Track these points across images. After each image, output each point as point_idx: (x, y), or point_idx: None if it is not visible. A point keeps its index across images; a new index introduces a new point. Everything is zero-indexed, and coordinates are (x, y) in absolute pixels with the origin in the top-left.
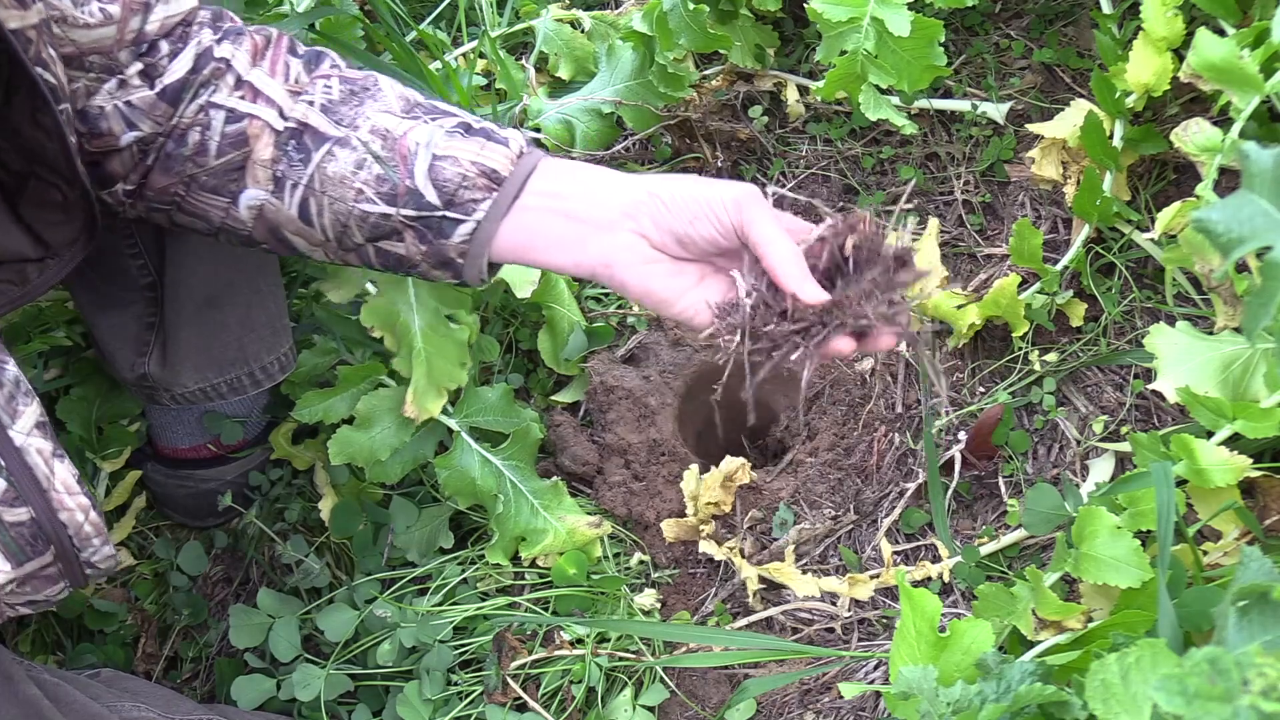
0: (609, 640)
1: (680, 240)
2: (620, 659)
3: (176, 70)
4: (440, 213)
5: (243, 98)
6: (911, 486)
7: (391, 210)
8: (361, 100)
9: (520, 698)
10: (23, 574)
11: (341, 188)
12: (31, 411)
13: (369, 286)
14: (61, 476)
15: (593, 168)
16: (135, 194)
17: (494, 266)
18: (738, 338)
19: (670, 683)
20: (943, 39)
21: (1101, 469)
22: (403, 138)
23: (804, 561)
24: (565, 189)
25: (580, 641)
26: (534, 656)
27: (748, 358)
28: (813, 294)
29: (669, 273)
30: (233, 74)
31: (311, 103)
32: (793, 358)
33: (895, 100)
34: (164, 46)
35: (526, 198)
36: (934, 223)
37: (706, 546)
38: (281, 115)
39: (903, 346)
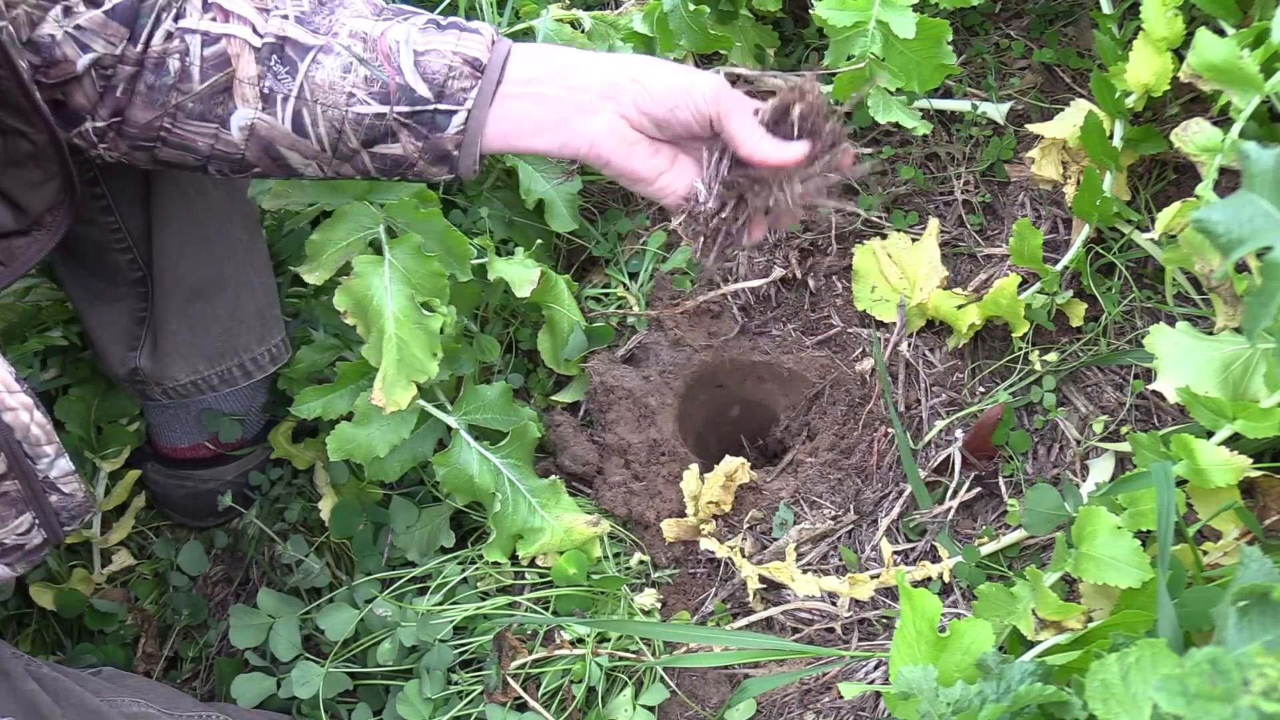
0: (609, 640)
1: (658, 124)
2: (620, 659)
3: None
4: (433, 105)
5: (214, 19)
6: (909, 487)
7: (385, 109)
8: (332, 9)
9: (520, 697)
10: None
11: (332, 94)
12: None
13: (353, 265)
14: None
15: (562, 50)
16: (114, 132)
17: (483, 159)
18: (705, 222)
19: (670, 682)
20: (950, 38)
21: (1101, 469)
22: (381, 38)
23: (804, 561)
24: (542, 74)
25: (580, 641)
26: (534, 656)
27: (714, 240)
28: (792, 151)
29: (648, 153)
30: None
31: (285, 16)
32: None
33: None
34: None
35: (508, 85)
36: (934, 223)
37: (708, 543)
38: (256, 31)
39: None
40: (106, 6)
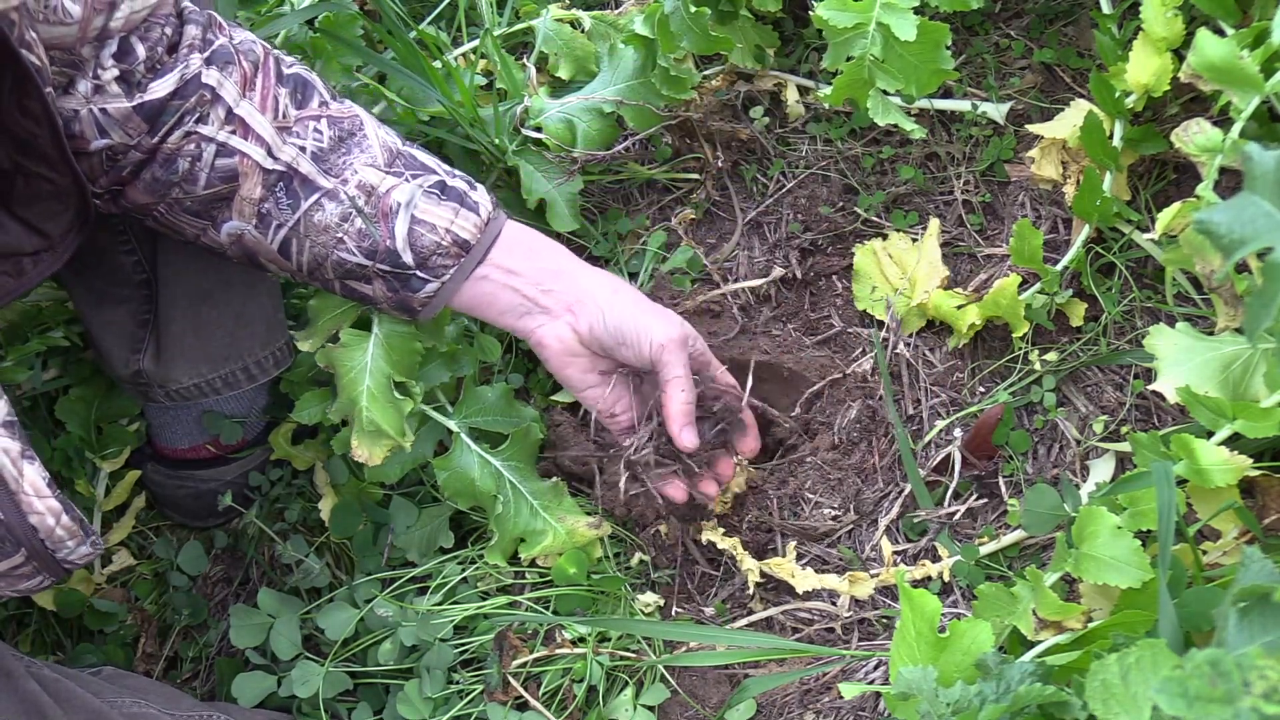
0: (609, 640)
1: (604, 350)
2: (621, 658)
3: (158, 90)
4: (412, 271)
5: (233, 132)
6: (908, 487)
7: (369, 263)
8: (349, 149)
9: (521, 696)
10: None
11: (325, 235)
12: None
13: (341, 335)
14: (31, 478)
15: (550, 250)
16: (109, 197)
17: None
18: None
19: (671, 681)
20: (949, 42)
21: (1102, 469)
22: (386, 195)
23: (804, 561)
24: (524, 269)
25: (581, 640)
26: (535, 655)
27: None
28: (689, 440)
29: (585, 368)
30: (222, 106)
31: (303, 148)
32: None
33: (898, 102)
34: (139, 50)
35: (488, 269)
36: (934, 223)
37: (710, 535)
38: (270, 154)
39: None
40: (136, 101)
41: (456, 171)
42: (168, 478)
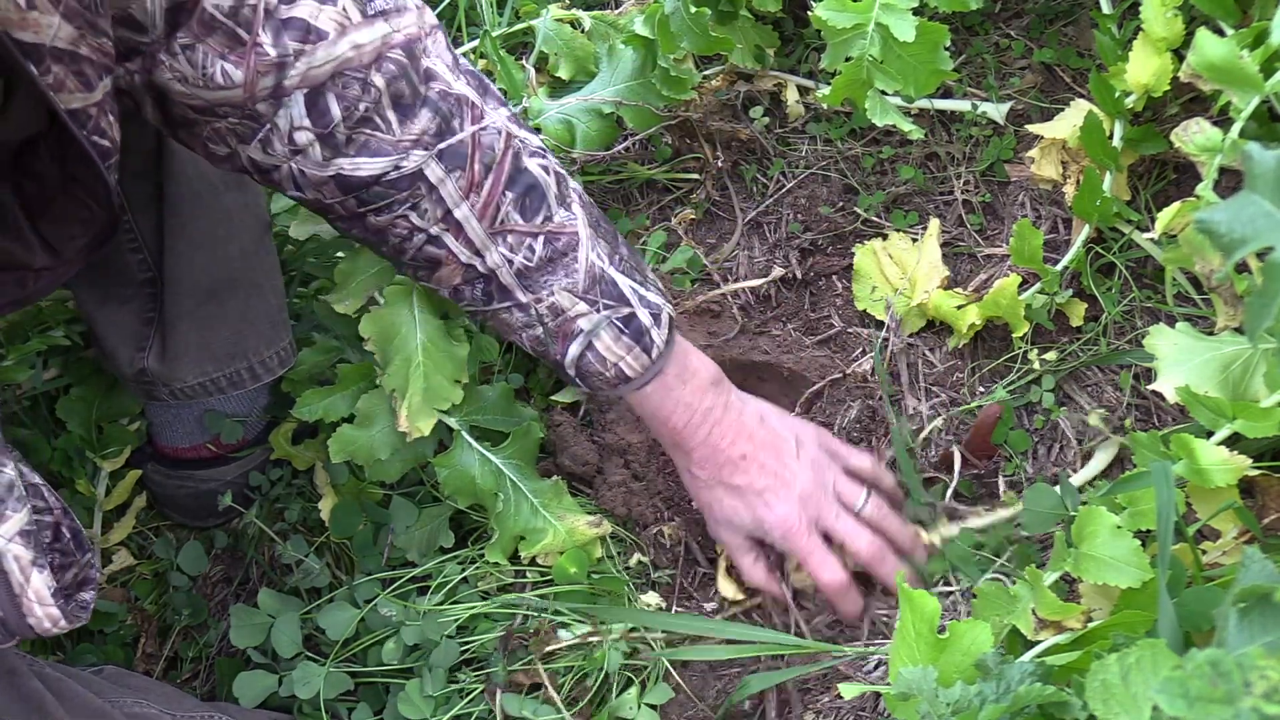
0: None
1: None
2: (625, 656)
3: (362, 169)
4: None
5: (445, 230)
6: (908, 487)
7: (535, 355)
8: (554, 269)
9: (530, 691)
10: None
11: (506, 329)
12: (19, 518)
13: (376, 296)
14: (36, 586)
15: (675, 420)
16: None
17: None
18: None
19: (675, 676)
20: (948, 43)
21: (1101, 459)
22: (573, 321)
23: None
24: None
25: (589, 636)
26: (542, 651)
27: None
28: (853, 608)
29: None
30: (440, 205)
31: (510, 261)
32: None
33: (897, 102)
34: (335, 110)
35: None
36: (935, 223)
37: (725, 588)
38: (477, 254)
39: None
40: (334, 171)
41: (649, 298)
42: (168, 477)
